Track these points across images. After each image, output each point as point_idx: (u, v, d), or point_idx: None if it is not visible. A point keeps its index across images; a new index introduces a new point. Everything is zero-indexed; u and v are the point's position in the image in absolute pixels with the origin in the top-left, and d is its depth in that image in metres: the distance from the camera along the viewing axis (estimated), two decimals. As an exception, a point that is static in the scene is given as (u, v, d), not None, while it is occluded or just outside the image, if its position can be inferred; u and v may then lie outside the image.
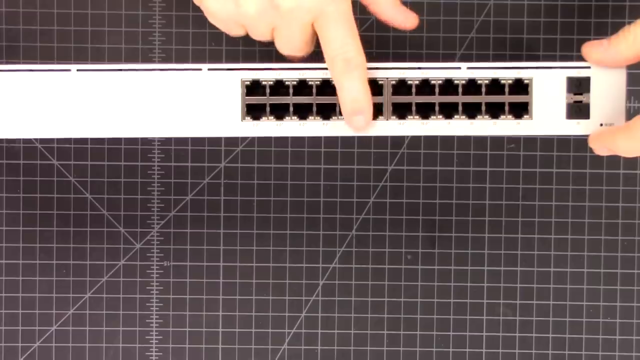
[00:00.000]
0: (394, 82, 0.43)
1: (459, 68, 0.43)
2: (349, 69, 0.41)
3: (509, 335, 0.52)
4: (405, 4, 0.51)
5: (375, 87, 0.43)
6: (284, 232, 0.52)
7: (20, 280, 0.51)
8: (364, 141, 0.51)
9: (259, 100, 0.43)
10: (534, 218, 0.51)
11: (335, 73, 0.41)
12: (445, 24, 0.51)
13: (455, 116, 0.43)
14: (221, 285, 0.52)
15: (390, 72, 0.43)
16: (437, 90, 0.43)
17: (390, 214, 0.52)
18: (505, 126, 0.43)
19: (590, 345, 0.52)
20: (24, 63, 0.51)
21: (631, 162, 0.51)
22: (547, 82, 0.43)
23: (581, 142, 0.50)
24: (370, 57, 0.51)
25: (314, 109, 0.43)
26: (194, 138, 0.51)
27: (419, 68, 0.43)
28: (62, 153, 0.51)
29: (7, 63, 0.51)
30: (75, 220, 0.51)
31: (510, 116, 0.43)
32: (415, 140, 0.51)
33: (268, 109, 0.43)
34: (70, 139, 0.51)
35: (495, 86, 0.43)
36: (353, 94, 0.41)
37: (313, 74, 0.43)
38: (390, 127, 0.43)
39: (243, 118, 0.43)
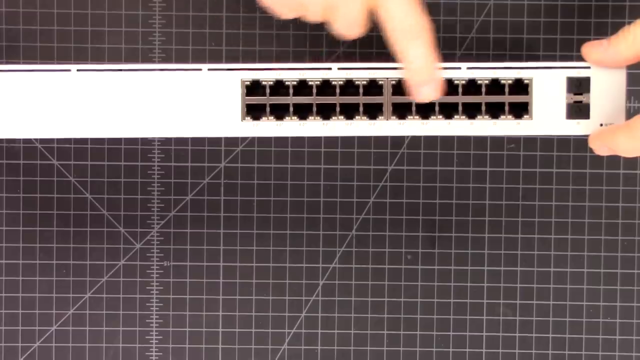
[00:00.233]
0: (394, 82, 0.43)
1: (459, 68, 0.43)
2: (412, 38, 0.41)
3: (509, 335, 0.52)
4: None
5: (375, 87, 0.43)
6: (284, 232, 0.52)
7: (20, 280, 0.51)
8: (364, 141, 0.51)
9: (259, 100, 0.43)
10: (534, 218, 0.51)
11: (399, 45, 0.41)
12: (445, 24, 0.51)
13: (455, 116, 0.43)
14: (221, 285, 0.52)
15: (390, 72, 0.43)
16: (437, 90, 0.43)
17: (390, 214, 0.52)
18: (505, 126, 0.43)
19: (590, 345, 0.52)
20: (24, 63, 0.51)
21: (631, 162, 0.51)
22: (547, 82, 0.43)
23: (581, 142, 0.50)
24: (370, 57, 0.51)
25: (314, 109, 0.43)
26: (194, 138, 0.51)
27: (419, 68, 0.43)
28: (62, 153, 0.51)
29: (7, 63, 0.51)
30: (75, 220, 0.51)
31: (510, 116, 0.43)
32: (415, 140, 0.51)
33: (268, 109, 0.43)
34: (70, 139, 0.51)
35: (495, 86, 0.43)
36: (419, 63, 0.41)
37: (313, 74, 0.43)
38: (390, 127, 0.43)
39: (243, 118, 0.43)
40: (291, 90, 0.43)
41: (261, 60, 0.51)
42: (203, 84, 0.43)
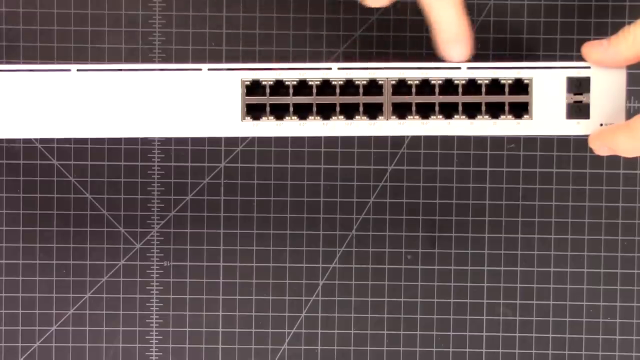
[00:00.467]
0: (394, 82, 0.43)
1: (459, 68, 0.43)
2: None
3: (509, 335, 0.52)
4: (404, 3, 0.51)
5: (375, 87, 0.43)
6: (284, 232, 0.52)
7: (20, 280, 0.51)
8: (364, 141, 0.51)
9: (259, 100, 0.43)
10: (534, 218, 0.51)
11: (431, 5, 0.41)
12: (445, 24, 0.51)
13: (455, 116, 0.43)
14: (221, 285, 0.52)
15: (390, 72, 0.43)
16: (437, 90, 0.43)
17: (390, 214, 0.52)
18: (505, 126, 0.43)
19: (590, 345, 0.52)
20: (24, 63, 0.51)
21: (631, 162, 0.51)
22: (547, 82, 0.43)
23: (581, 142, 0.50)
24: (370, 57, 0.51)
25: (314, 109, 0.43)
26: (194, 138, 0.51)
27: (419, 68, 0.43)
28: (62, 153, 0.51)
29: (7, 63, 0.51)
30: (75, 220, 0.51)
31: (510, 116, 0.43)
32: (415, 140, 0.51)
33: (268, 109, 0.43)
34: (70, 139, 0.51)
35: (495, 86, 0.43)
36: (449, 20, 0.41)
37: (313, 74, 0.43)
38: (390, 127, 0.43)
39: (243, 118, 0.43)
40: (291, 90, 0.43)
41: (261, 60, 0.51)
42: (203, 84, 0.43)
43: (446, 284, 0.52)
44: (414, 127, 0.43)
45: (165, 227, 0.51)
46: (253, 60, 0.51)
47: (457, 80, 0.43)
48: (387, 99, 0.43)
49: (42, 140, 0.51)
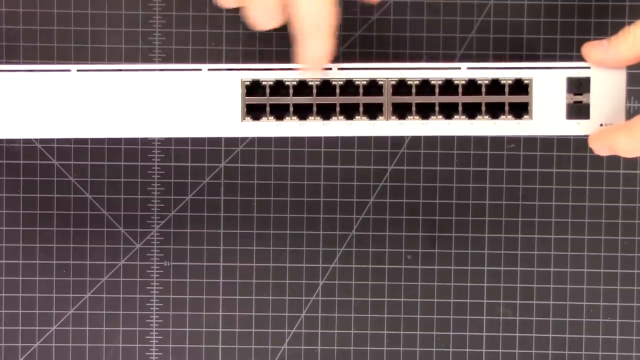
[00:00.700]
0: (394, 82, 0.43)
1: (459, 68, 0.43)
2: (313, 33, 0.39)
3: (509, 335, 0.52)
4: (405, 3, 0.51)
5: (375, 87, 0.43)
6: (284, 232, 0.52)
7: (20, 280, 0.51)
8: (364, 141, 0.51)
9: (259, 101, 0.43)
10: (534, 218, 0.51)
11: (300, 36, 0.39)
12: (445, 24, 0.51)
13: (455, 116, 0.43)
14: (221, 285, 0.52)
15: (390, 72, 0.43)
16: (437, 90, 0.43)
17: (390, 214, 0.52)
18: (505, 126, 0.43)
19: (590, 345, 0.52)
20: (24, 63, 0.51)
21: (631, 162, 0.51)
22: (547, 82, 0.43)
23: (581, 142, 0.50)
24: (370, 57, 0.51)
25: (314, 109, 0.43)
26: (194, 138, 0.51)
27: (419, 68, 0.43)
28: (62, 153, 0.51)
29: (7, 63, 0.51)
30: (75, 220, 0.51)
31: (510, 116, 0.43)
32: (415, 140, 0.51)
33: (268, 109, 0.43)
34: (70, 139, 0.51)
35: (495, 86, 0.43)
36: (312, 12, 0.37)
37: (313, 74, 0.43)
38: (390, 127, 0.43)
39: (243, 118, 0.43)
40: (291, 90, 0.43)
41: (261, 60, 0.51)
42: (203, 84, 0.43)
43: (446, 284, 0.52)
44: (414, 127, 0.43)
45: (165, 227, 0.51)
46: (253, 60, 0.51)
47: (457, 80, 0.43)
48: (387, 99, 0.43)
49: (42, 140, 0.51)
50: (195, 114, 0.43)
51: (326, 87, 0.43)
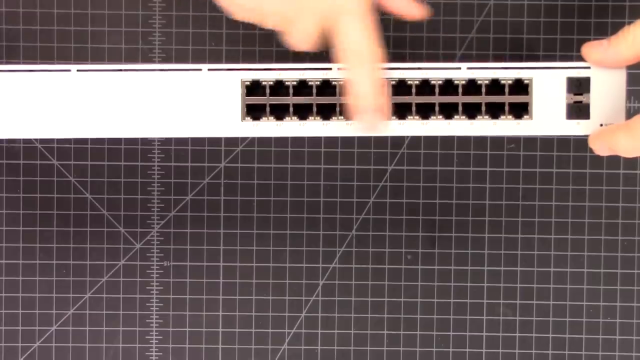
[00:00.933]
0: (394, 82, 0.43)
1: (459, 68, 0.43)
2: (363, 63, 0.40)
3: (509, 335, 0.52)
4: (405, 4, 0.51)
5: (375, 87, 0.43)
6: (284, 232, 0.52)
7: (20, 280, 0.51)
8: (364, 141, 0.51)
9: (259, 101, 0.43)
10: (534, 218, 0.51)
11: (349, 67, 0.41)
12: (445, 24, 0.51)
13: (455, 116, 0.43)
14: (221, 285, 0.52)
15: (390, 72, 0.43)
16: (437, 90, 0.43)
17: (390, 214, 0.52)
18: (505, 126, 0.43)
19: (590, 345, 0.52)
20: (24, 63, 0.51)
21: (631, 162, 0.51)
22: (547, 82, 0.43)
23: (581, 142, 0.50)
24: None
25: (314, 109, 0.43)
26: (194, 138, 0.51)
27: (419, 68, 0.43)
28: (62, 153, 0.51)
29: (7, 63, 0.51)
30: (75, 220, 0.51)
31: (510, 116, 0.43)
32: (415, 140, 0.51)
33: (268, 109, 0.43)
34: (70, 139, 0.51)
35: (495, 86, 0.43)
36: (365, 89, 0.40)
37: (313, 74, 0.43)
38: (390, 127, 0.43)
39: (243, 118, 0.43)
40: (291, 90, 0.43)
41: (261, 60, 0.51)
42: (203, 84, 0.43)
43: (446, 284, 0.52)
44: (414, 127, 0.43)
45: (165, 227, 0.51)
46: (253, 60, 0.51)
47: (457, 80, 0.43)
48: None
49: (42, 140, 0.51)
50: (195, 114, 0.43)
51: (326, 87, 0.43)
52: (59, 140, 0.51)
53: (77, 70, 0.43)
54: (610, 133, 0.41)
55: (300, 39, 0.42)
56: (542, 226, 0.52)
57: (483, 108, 0.43)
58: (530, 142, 0.51)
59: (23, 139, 0.51)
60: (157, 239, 0.52)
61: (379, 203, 0.52)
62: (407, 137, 0.51)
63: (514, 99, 0.43)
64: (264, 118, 0.43)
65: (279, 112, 0.43)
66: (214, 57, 0.51)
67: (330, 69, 0.43)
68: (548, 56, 0.51)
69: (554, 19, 0.51)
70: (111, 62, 0.51)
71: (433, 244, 0.52)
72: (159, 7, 0.51)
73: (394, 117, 0.43)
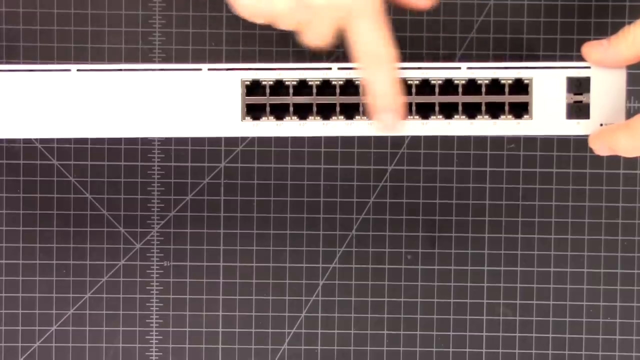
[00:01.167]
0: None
1: (459, 68, 0.43)
2: (376, 65, 0.41)
3: (509, 335, 0.52)
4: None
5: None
6: (284, 232, 0.52)
7: (20, 280, 0.51)
8: (364, 141, 0.51)
9: (259, 100, 0.43)
10: (534, 218, 0.51)
11: (365, 68, 0.41)
12: (445, 24, 0.51)
13: (455, 116, 0.43)
14: (221, 285, 0.52)
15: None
16: (437, 90, 0.43)
17: (390, 214, 0.52)
18: (505, 126, 0.43)
19: (590, 345, 0.52)
20: (24, 63, 0.51)
21: (631, 162, 0.51)
22: (547, 82, 0.43)
23: (581, 142, 0.50)
24: (370, 57, 0.51)
25: (314, 109, 0.43)
26: (194, 138, 0.51)
27: (419, 68, 0.43)
28: (62, 153, 0.51)
29: (7, 63, 0.51)
30: (75, 220, 0.51)
31: (510, 116, 0.43)
32: (415, 140, 0.51)
33: (268, 109, 0.43)
34: (70, 139, 0.51)
35: (495, 86, 0.43)
36: (381, 90, 0.41)
37: (313, 74, 0.43)
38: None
39: (243, 118, 0.43)
40: (291, 90, 0.43)
41: (261, 60, 0.51)
42: (203, 84, 0.43)
43: (446, 284, 0.52)
44: (414, 127, 0.43)
45: (165, 227, 0.51)
46: (253, 60, 0.51)
47: (457, 80, 0.43)
48: (387, 99, 0.43)
49: (42, 140, 0.51)
50: (195, 114, 0.43)
51: (326, 86, 0.43)
52: (59, 140, 0.51)
53: (77, 70, 0.43)
54: (610, 133, 0.41)
55: (315, 39, 0.42)
56: (542, 226, 0.52)
57: (483, 108, 0.43)
58: (530, 142, 0.51)
59: (23, 139, 0.51)
60: (157, 239, 0.52)
61: (379, 203, 0.52)
62: (407, 137, 0.51)
63: (514, 99, 0.43)
64: (264, 118, 0.43)
65: (279, 112, 0.43)
66: (214, 57, 0.51)
67: (330, 68, 0.43)
68: (548, 56, 0.51)
69: (554, 19, 0.51)
70: (111, 62, 0.51)
71: (433, 244, 0.52)
72: (159, 7, 0.51)
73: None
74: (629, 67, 0.42)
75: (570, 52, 0.51)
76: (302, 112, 0.43)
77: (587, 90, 0.43)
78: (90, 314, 0.52)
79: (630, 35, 0.41)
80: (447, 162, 0.51)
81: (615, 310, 0.52)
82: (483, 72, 0.43)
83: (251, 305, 0.52)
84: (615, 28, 0.42)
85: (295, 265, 0.52)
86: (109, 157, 0.51)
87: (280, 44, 0.51)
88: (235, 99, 0.43)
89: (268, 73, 0.43)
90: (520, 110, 0.43)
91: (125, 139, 0.51)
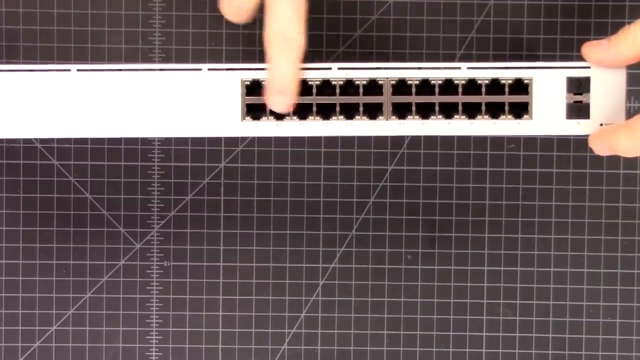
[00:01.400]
0: (394, 82, 0.43)
1: (459, 68, 0.43)
2: (286, 48, 0.41)
3: (509, 335, 0.52)
4: (405, 3, 0.51)
5: (375, 87, 0.43)
6: (284, 232, 0.52)
7: (20, 280, 0.51)
8: (364, 141, 0.51)
9: (259, 100, 0.43)
10: (534, 218, 0.51)
11: (272, 49, 0.42)
12: (445, 24, 0.51)
13: (455, 116, 0.43)
14: (221, 285, 0.52)
15: (390, 72, 0.43)
16: (437, 90, 0.43)
17: (390, 214, 0.52)
18: (505, 126, 0.43)
19: (590, 345, 0.52)
20: (24, 63, 0.51)
21: (631, 162, 0.51)
22: (547, 82, 0.43)
23: (581, 142, 0.50)
24: (370, 57, 0.51)
25: (314, 109, 0.43)
26: (194, 138, 0.51)
27: (419, 68, 0.43)
28: (62, 153, 0.51)
29: (7, 63, 0.51)
30: (75, 220, 0.51)
31: (510, 116, 0.43)
32: (415, 140, 0.51)
33: (268, 109, 0.43)
34: (70, 139, 0.51)
35: (495, 86, 0.43)
36: (282, 72, 0.42)
37: (313, 74, 0.43)
38: (390, 127, 0.43)
39: (243, 118, 0.43)
40: (291, 90, 0.43)
41: (261, 60, 0.51)
42: (203, 84, 0.43)
43: (446, 284, 0.52)
44: (414, 127, 0.43)
45: (165, 227, 0.51)
46: (253, 60, 0.51)
47: (457, 80, 0.43)
48: (387, 99, 0.43)
49: (42, 140, 0.51)
50: (195, 114, 0.43)
51: (326, 86, 0.43)
52: (59, 140, 0.51)
53: (77, 70, 0.43)
54: (610, 133, 0.41)
55: (234, 10, 0.43)
56: (542, 226, 0.52)
57: (483, 108, 0.43)
58: (530, 142, 0.51)
59: (23, 139, 0.51)
60: (157, 239, 0.52)
61: (379, 203, 0.52)
62: (407, 137, 0.51)
63: (514, 99, 0.43)
64: (263, 118, 0.43)
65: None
66: (214, 57, 0.51)
67: (330, 68, 0.43)
68: (548, 56, 0.51)
69: (554, 19, 0.51)
70: (111, 62, 0.51)
71: (433, 244, 0.52)
72: (159, 7, 0.51)
73: (394, 117, 0.43)
74: (629, 67, 0.42)
75: (570, 52, 0.51)
76: (302, 112, 0.43)
77: (587, 90, 0.43)
78: (90, 314, 0.52)
79: (630, 35, 0.41)
80: (447, 162, 0.51)
81: (615, 310, 0.52)
82: (483, 72, 0.43)
83: (251, 305, 0.52)
84: (615, 28, 0.42)
85: (295, 265, 0.52)
86: (109, 157, 0.51)
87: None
88: (235, 99, 0.43)
89: (268, 73, 0.43)
90: (520, 110, 0.43)
91: (125, 139, 0.51)
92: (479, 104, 0.43)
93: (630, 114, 0.50)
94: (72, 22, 0.51)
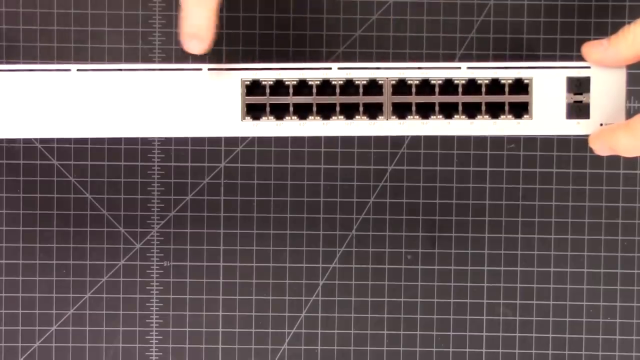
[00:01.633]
0: (394, 82, 0.43)
1: (459, 68, 0.43)
2: (200, 3, 0.41)
3: (509, 335, 0.52)
4: (405, 3, 0.51)
5: (375, 87, 0.43)
6: (284, 232, 0.52)
7: (20, 280, 0.51)
8: (364, 141, 0.51)
9: (259, 100, 0.43)
10: (534, 218, 0.51)
11: (186, 3, 0.41)
12: (445, 24, 0.51)
13: (455, 116, 0.43)
14: (221, 285, 0.52)
15: (390, 72, 0.43)
16: (437, 90, 0.43)
17: (390, 214, 0.52)
18: (505, 126, 0.43)
19: (590, 345, 0.52)
20: (24, 63, 0.51)
21: (631, 162, 0.51)
22: (547, 82, 0.43)
23: (581, 142, 0.50)
24: (370, 57, 0.51)
25: (314, 109, 0.43)
26: (194, 138, 0.51)
27: (419, 68, 0.43)
28: (62, 153, 0.51)
29: (7, 63, 0.51)
30: (75, 220, 0.51)
31: (510, 116, 0.43)
32: (415, 140, 0.51)
33: (268, 109, 0.43)
34: (70, 139, 0.51)
35: (495, 86, 0.43)
36: (196, 18, 0.41)
37: (313, 74, 0.43)
38: (390, 127, 0.43)
39: (243, 118, 0.43)
40: (291, 90, 0.43)
41: (261, 60, 0.51)
42: (203, 84, 0.43)
43: (446, 284, 0.52)
44: (414, 127, 0.43)
45: (165, 227, 0.51)
46: (253, 60, 0.51)
47: (457, 80, 0.43)
48: (387, 99, 0.43)
49: (42, 140, 0.51)
50: (195, 114, 0.43)
51: (326, 86, 0.43)
52: (59, 140, 0.51)
53: (77, 70, 0.43)
54: (610, 133, 0.41)
55: (194, 36, 0.42)
56: (542, 226, 0.52)
57: (483, 108, 0.43)
58: (530, 142, 0.51)
59: (23, 139, 0.51)
60: (157, 239, 0.52)
61: (379, 203, 0.52)
62: (407, 137, 0.51)
63: (514, 99, 0.43)
64: (264, 118, 0.43)
65: (279, 112, 0.43)
66: (214, 57, 0.51)
67: (330, 68, 0.43)
68: (548, 56, 0.51)
69: (554, 19, 0.51)
70: (111, 62, 0.51)
71: (433, 244, 0.52)
72: (159, 7, 0.51)
73: (394, 117, 0.43)
74: (629, 67, 0.42)
75: (570, 52, 0.51)
76: (302, 112, 0.43)
77: (587, 90, 0.43)
78: (90, 314, 0.52)
79: (630, 35, 0.41)
80: (447, 162, 0.51)
81: (615, 310, 0.52)
82: (483, 72, 0.43)
83: (251, 305, 0.52)
84: (615, 28, 0.42)
85: (295, 265, 0.52)
86: (109, 157, 0.51)
87: (280, 44, 0.51)
88: (235, 99, 0.43)
89: (268, 73, 0.43)
90: (520, 110, 0.43)
91: (125, 139, 0.51)
92: (479, 104, 0.43)
93: (630, 114, 0.50)
94: (72, 22, 0.51)
